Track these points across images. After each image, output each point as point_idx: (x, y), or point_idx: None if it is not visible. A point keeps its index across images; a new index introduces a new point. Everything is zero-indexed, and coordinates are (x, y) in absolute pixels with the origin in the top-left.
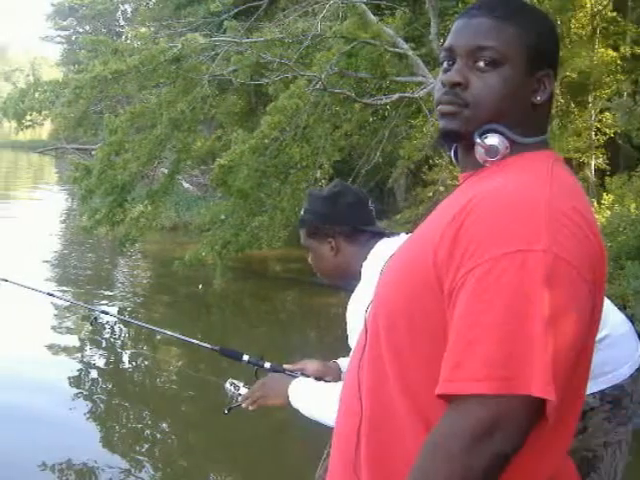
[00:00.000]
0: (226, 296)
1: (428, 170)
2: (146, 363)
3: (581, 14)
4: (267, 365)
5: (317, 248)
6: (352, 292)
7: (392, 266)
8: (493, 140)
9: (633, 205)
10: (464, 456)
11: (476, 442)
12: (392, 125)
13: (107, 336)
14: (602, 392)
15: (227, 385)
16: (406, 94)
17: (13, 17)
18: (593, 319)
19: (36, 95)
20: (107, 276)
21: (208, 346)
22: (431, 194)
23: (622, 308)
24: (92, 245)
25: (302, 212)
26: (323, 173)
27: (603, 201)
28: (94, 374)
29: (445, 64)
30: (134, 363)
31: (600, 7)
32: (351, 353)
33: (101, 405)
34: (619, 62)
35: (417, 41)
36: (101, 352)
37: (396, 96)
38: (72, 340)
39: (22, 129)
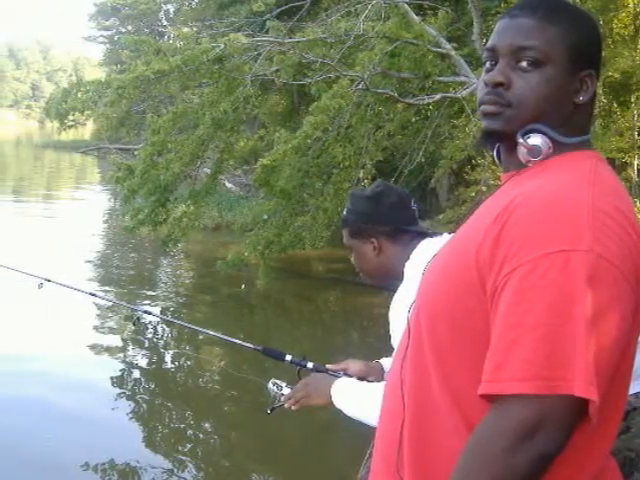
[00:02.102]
0: (269, 296)
1: (471, 170)
2: (188, 363)
3: (624, 14)
4: (310, 365)
5: (360, 248)
6: (395, 292)
7: (435, 266)
8: (536, 140)
9: None
10: (507, 457)
11: (519, 442)
12: (435, 125)
13: (150, 336)
14: None
15: (270, 385)
16: (449, 94)
17: (56, 17)
18: (636, 319)
19: (79, 95)
20: (149, 276)
21: (251, 346)
22: (474, 194)
23: None
24: (134, 245)
25: (345, 212)
26: (366, 173)
27: None
28: (136, 374)
29: (488, 64)
30: (176, 363)
31: None
32: (394, 353)
33: (144, 405)
34: None
35: (460, 41)
36: (143, 352)
37: (439, 96)
38: (115, 340)
39: (64, 129)
